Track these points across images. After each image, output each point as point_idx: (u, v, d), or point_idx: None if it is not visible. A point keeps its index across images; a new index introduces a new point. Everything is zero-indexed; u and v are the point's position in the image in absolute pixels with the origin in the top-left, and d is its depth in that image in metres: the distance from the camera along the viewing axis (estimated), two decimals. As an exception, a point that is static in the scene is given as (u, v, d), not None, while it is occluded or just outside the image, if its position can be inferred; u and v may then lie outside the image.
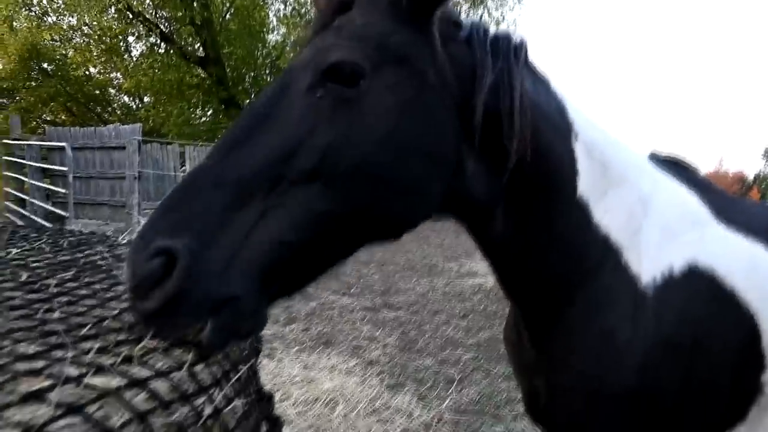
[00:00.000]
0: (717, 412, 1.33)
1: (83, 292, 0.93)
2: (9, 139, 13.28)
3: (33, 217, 11.16)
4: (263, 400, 1.07)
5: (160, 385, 0.67)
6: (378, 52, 1.05)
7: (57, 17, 21.58)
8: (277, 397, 3.84)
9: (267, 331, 4.57)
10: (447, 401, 4.02)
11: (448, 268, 9.67)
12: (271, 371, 4.24)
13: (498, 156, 1.21)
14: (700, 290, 1.31)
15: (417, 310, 6.66)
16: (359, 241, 1.08)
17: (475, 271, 9.33)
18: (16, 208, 12.47)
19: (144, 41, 22.59)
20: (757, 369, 1.31)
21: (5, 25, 19.59)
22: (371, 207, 1.04)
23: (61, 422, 0.53)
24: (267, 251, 0.90)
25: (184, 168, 18.25)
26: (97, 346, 0.68)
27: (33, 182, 12.29)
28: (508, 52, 1.23)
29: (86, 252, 1.30)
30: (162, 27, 21.71)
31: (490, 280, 8.41)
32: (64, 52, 23.46)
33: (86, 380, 0.59)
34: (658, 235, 1.36)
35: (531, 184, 1.28)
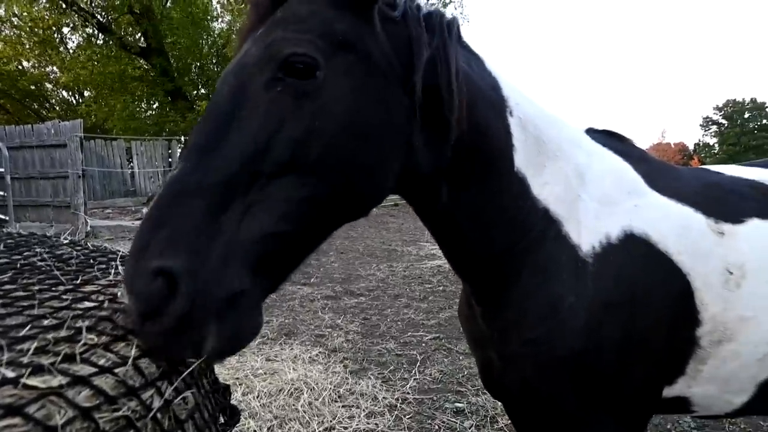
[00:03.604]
0: (656, 367, 1.42)
1: (20, 293, 0.90)
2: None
3: (-31, 222, 10.53)
4: (219, 392, 1.07)
5: (105, 381, 0.66)
6: (326, 41, 1.06)
7: (-18, 9, 20.30)
8: (240, 390, 3.83)
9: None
10: (410, 382, 4.09)
11: (407, 252, 9.77)
12: (233, 366, 4.20)
13: (441, 130, 1.24)
14: (636, 256, 1.39)
15: (378, 295, 6.71)
16: (335, 221, 1.12)
17: (433, 254, 9.45)
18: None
19: (80, 32, 21.53)
20: (692, 324, 1.40)
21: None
22: (342, 189, 1.07)
23: (1, 423, 0.52)
24: (257, 245, 0.93)
25: (131, 164, 17.61)
26: (34, 346, 0.66)
27: (-33, 186, 11.58)
28: (442, 28, 1.25)
29: (25, 254, 1.25)
30: (99, 17, 20.72)
31: (448, 262, 8.55)
32: (-8, 45, 22.06)
33: (23, 381, 0.58)
34: (596, 204, 1.43)
35: (470, 158, 1.32)
